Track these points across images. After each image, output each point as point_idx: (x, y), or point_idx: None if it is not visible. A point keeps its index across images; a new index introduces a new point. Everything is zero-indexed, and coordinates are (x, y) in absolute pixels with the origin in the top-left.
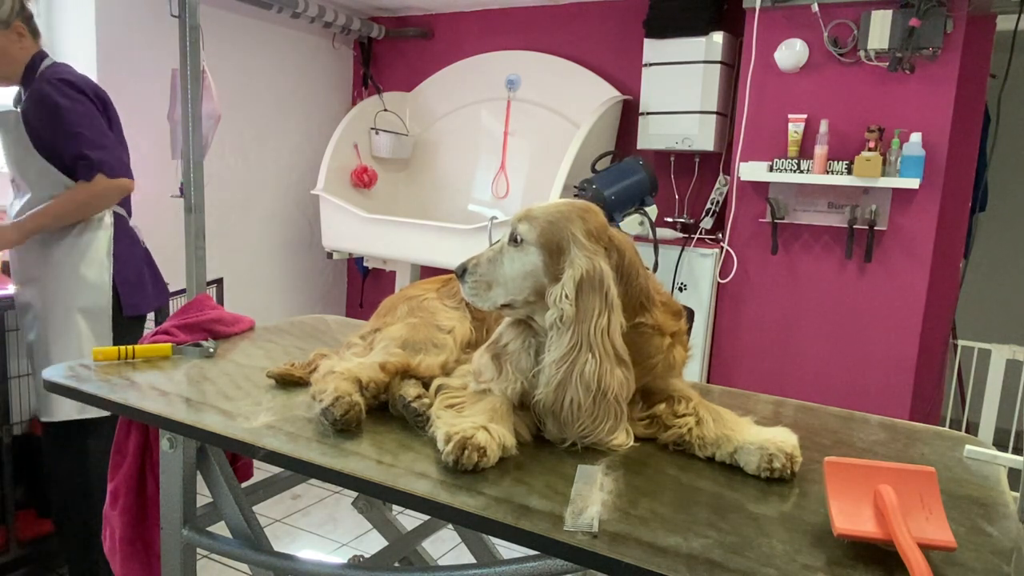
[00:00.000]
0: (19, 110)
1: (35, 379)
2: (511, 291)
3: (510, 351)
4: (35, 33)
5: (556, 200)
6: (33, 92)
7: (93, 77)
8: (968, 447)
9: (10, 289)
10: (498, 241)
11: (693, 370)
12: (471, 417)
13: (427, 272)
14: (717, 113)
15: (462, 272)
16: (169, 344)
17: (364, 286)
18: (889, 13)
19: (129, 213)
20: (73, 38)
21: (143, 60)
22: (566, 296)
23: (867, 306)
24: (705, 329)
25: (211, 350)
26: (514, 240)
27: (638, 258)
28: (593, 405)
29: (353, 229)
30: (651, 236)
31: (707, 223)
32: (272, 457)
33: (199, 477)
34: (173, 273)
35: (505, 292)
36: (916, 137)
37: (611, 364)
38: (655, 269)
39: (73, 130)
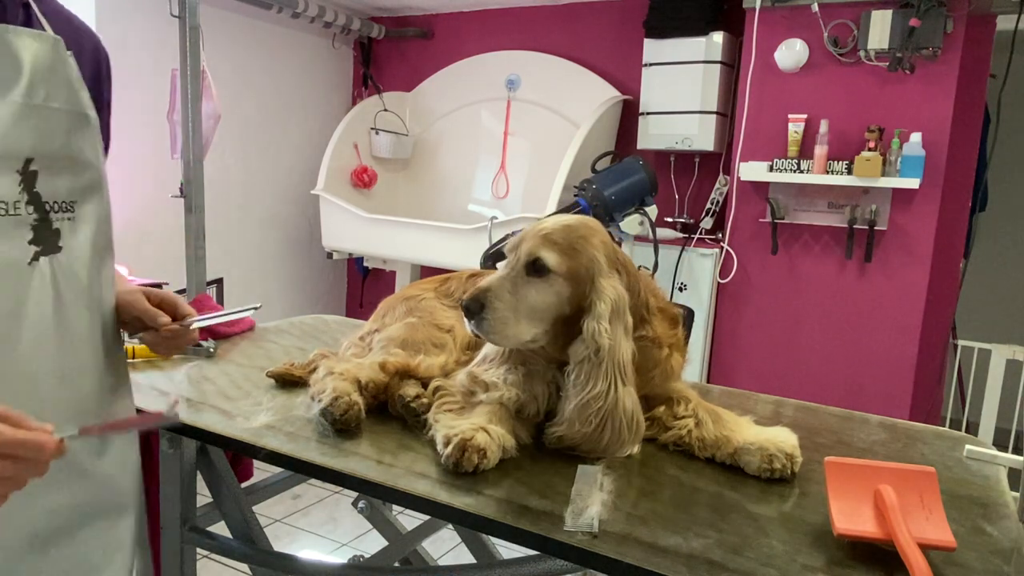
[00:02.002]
0: (53, 37)
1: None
2: (537, 325)
3: (493, 380)
4: None
5: (564, 217)
6: (69, 19)
7: None
8: (968, 447)
9: None
10: (509, 267)
11: (693, 370)
12: (471, 418)
13: (427, 272)
14: (717, 113)
15: (479, 308)
16: None
17: (364, 286)
18: (889, 13)
19: None
20: None
21: (143, 60)
22: (605, 331)
23: (867, 306)
24: (705, 329)
25: (211, 350)
26: (536, 269)
27: (636, 270)
28: (628, 433)
29: (353, 229)
30: (651, 236)
31: (707, 223)
32: (272, 457)
33: (199, 477)
34: (173, 273)
35: (531, 327)
36: (916, 137)
37: (633, 389)
38: (655, 269)
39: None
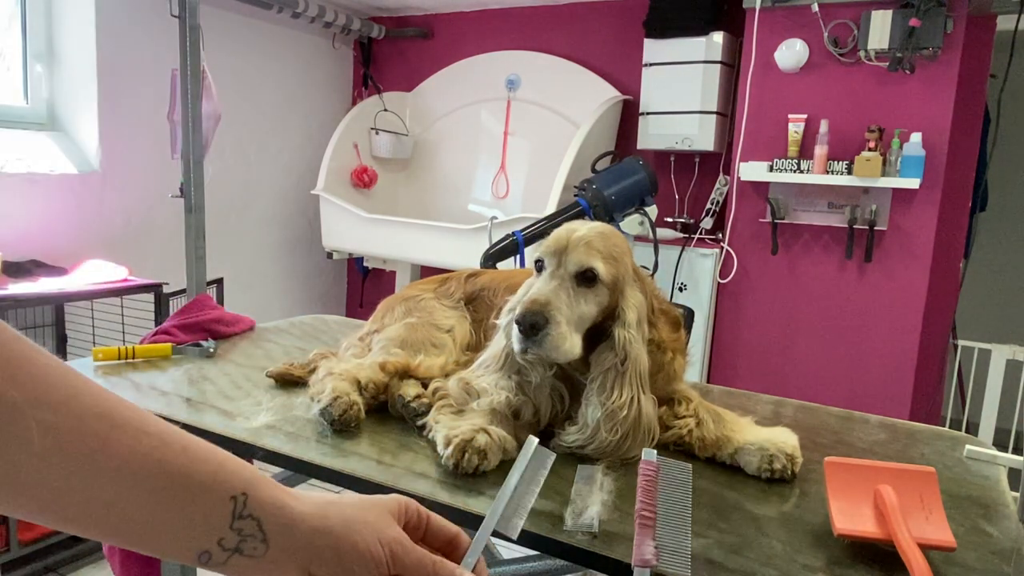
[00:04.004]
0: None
1: None
2: (580, 337)
3: (483, 386)
4: None
5: (594, 225)
6: None
7: (93, 77)
8: (968, 447)
9: (10, 289)
10: (556, 278)
11: (693, 371)
12: (471, 419)
13: (427, 272)
14: (717, 113)
15: (545, 323)
16: (169, 344)
17: (364, 286)
18: (889, 13)
19: None
20: (73, 38)
21: (143, 60)
22: (635, 339)
23: (867, 306)
24: (705, 329)
25: (211, 350)
26: (587, 279)
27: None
28: (647, 440)
29: (353, 229)
30: (651, 236)
31: (707, 223)
32: (272, 457)
33: None
34: (173, 273)
35: (578, 340)
36: (916, 137)
37: (652, 396)
38: (655, 269)
39: None
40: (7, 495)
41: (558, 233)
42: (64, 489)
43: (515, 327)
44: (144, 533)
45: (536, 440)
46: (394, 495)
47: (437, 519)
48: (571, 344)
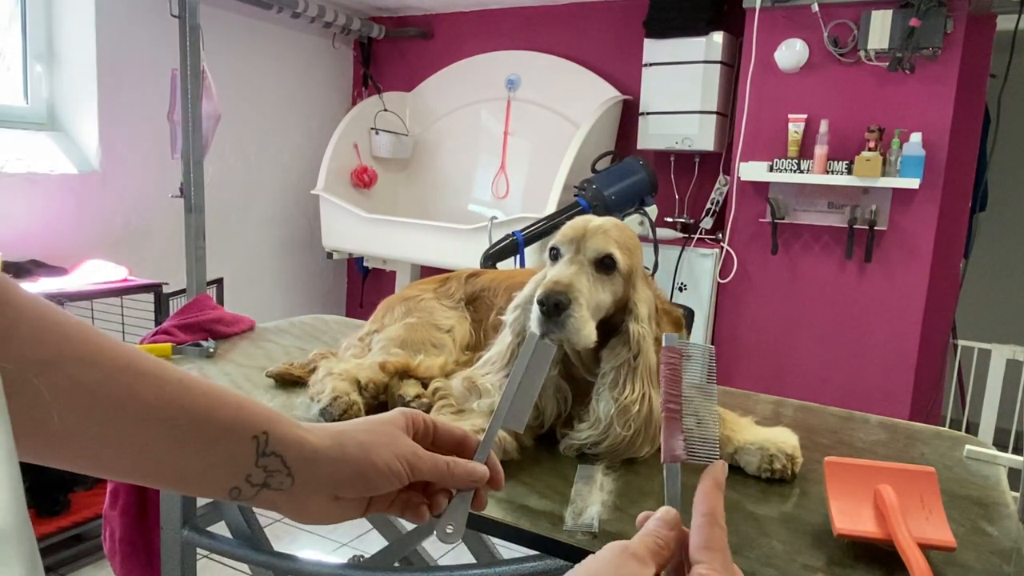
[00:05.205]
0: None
1: None
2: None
3: (487, 386)
4: None
5: (606, 218)
6: None
7: (93, 77)
8: (968, 447)
9: None
10: (575, 264)
11: None
12: (470, 420)
13: (427, 272)
14: (717, 113)
15: (568, 303)
16: (169, 344)
17: (364, 286)
18: (889, 13)
19: None
20: (73, 38)
21: (143, 60)
22: (648, 334)
23: (867, 306)
24: (705, 329)
25: (211, 350)
26: (605, 267)
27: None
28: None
29: (353, 229)
30: (651, 236)
31: (707, 223)
32: None
33: None
34: (173, 273)
35: (594, 328)
36: (916, 137)
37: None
38: (655, 269)
39: None
40: (47, 447)
41: (574, 222)
42: (98, 438)
43: (536, 307)
44: (177, 474)
45: (537, 335)
46: (398, 408)
47: (443, 424)
48: (590, 330)
